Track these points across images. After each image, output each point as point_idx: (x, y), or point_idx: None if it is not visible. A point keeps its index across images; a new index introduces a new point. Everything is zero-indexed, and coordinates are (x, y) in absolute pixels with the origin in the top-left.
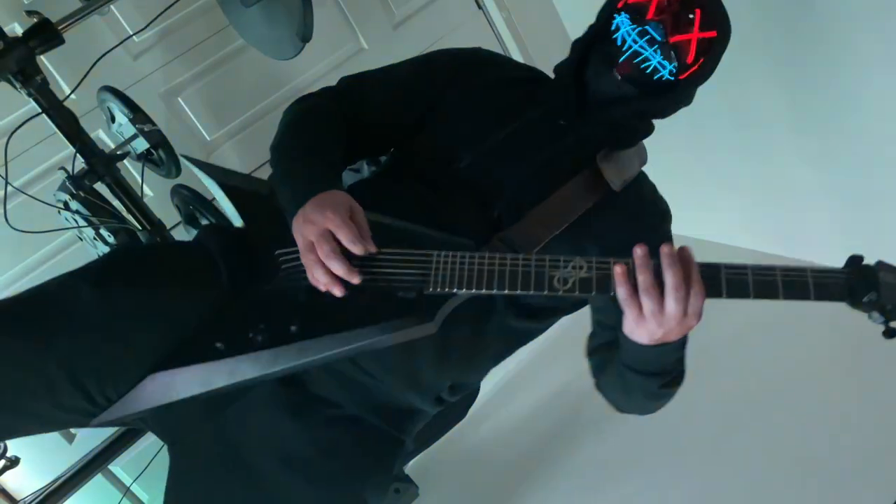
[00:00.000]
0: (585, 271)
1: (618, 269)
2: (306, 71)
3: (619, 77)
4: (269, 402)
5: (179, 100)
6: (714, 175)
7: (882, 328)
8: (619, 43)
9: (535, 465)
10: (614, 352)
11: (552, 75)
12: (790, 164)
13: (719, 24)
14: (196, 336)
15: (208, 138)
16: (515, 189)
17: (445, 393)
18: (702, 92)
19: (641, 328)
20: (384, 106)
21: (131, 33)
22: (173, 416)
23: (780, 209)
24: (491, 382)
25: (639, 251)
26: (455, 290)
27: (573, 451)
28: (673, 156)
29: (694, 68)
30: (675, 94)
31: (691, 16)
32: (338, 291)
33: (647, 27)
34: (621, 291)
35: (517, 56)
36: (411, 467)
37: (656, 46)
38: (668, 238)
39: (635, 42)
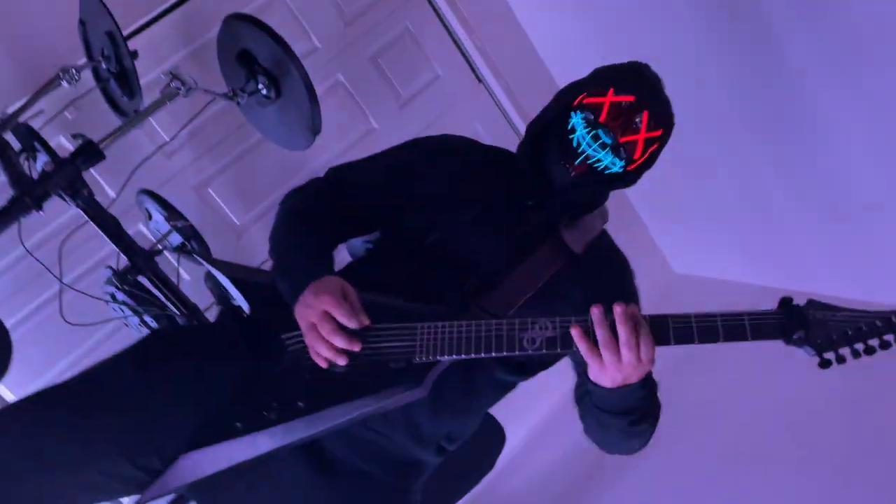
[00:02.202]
0: (551, 331)
1: (574, 331)
2: (323, 153)
3: (574, 174)
4: (290, 465)
5: (209, 190)
6: (714, 213)
7: (817, 360)
8: (574, 144)
9: None
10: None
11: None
12: (783, 197)
13: (664, 122)
14: (217, 418)
15: (237, 222)
16: (485, 263)
17: (444, 441)
18: (705, 138)
19: (604, 375)
20: (366, 191)
21: (167, 139)
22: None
23: (777, 242)
24: (521, 431)
25: (595, 311)
26: (439, 358)
27: (608, 494)
28: (678, 199)
29: (640, 161)
30: (623, 182)
31: (638, 119)
32: (341, 361)
33: (599, 131)
34: (581, 346)
35: (517, 119)
36: None
37: (608, 149)
38: (632, 289)
39: (589, 146)
